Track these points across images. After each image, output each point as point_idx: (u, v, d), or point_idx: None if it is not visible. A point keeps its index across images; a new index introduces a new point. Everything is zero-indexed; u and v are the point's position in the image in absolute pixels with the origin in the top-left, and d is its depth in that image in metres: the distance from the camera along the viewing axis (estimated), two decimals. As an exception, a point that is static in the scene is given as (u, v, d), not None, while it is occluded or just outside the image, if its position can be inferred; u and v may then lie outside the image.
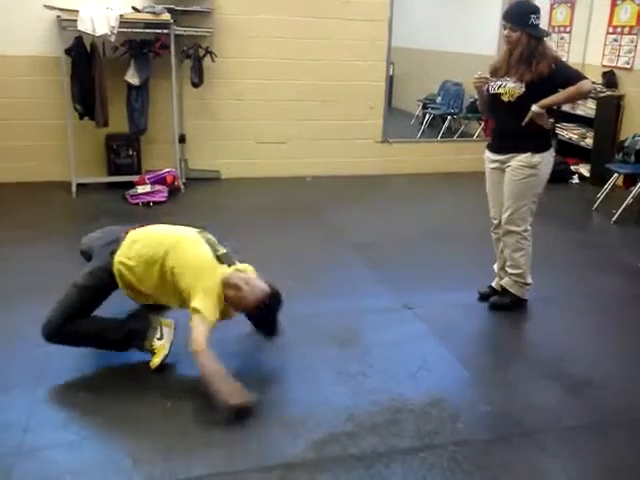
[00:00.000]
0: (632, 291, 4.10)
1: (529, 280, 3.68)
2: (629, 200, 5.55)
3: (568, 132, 7.17)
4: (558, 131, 7.33)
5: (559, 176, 6.85)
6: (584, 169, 6.94)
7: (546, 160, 3.47)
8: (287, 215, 5.40)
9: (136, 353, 2.93)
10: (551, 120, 3.54)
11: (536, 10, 3.37)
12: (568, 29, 7.52)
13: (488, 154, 3.65)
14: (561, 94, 3.37)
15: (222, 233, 4.73)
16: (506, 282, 3.72)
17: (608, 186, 5.90)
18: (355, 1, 6.37)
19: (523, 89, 3.35)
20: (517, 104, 3.37)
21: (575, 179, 6.95)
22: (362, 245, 4.70)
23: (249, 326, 2.98)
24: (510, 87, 3.38)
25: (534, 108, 3.33)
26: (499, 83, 3.43)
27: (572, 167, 7.00)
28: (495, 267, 3.84)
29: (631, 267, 4.49)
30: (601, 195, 5.90)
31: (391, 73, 8.09)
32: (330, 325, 3.43)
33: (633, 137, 6.04)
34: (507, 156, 3.49)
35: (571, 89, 3.31)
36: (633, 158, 5.87)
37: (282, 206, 5.67)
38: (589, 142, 6.83)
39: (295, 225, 5.13)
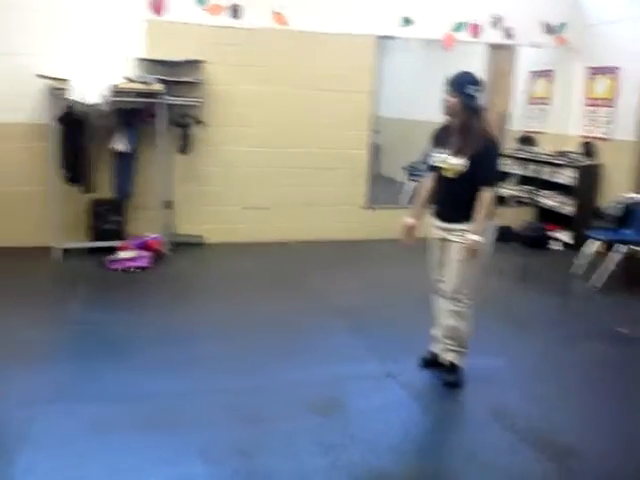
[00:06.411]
0: (615, 358, 4.11)
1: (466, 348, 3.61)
2: (609, 265, 5.62)
3: (548, 199, 7.33)
4: (538, 198, 7.49)
5: (538, 242, 7.01)
6: (565, 235, 7.04)
7: (488, 229, 3.47)
8: (270, 281, 5.42)
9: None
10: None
11: (475, 82, 3.37)
12: (547, 101, 7.78)
13: (433, 220, 3.61)
14: (481, 215, 3.34)
15: (202, 301, 4.82)
16: (449, 356, 3.62)
17: (588, 252, 5.98)
18: (340, 74, 6.60)
19: (467, 167, 3.33)
20: (460, 179, 3.37)
21: (554, 245, 7.06)
22: (345, 312, 4.70)
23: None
24: (453, 164, 3.37)
25: (476, 239, 3.30)
26: (442, 157, 3.43)
27: (550, 233, 7.14)
28: (434, 332, 3.73)
29: (612, 333, 4.51)
30: (582, 261, 5.97)
31: (378, 142, 8.30)
32: (312, 393, 3.40)
33: (611, 204, 6.18)
34: (451, 225, 3.47)
35: (484, 207, 3.32)
36: (612, 225, 6.00)
37: (265, 272, 5.69)
38: (569, 209, 6.98)
39: (278, 291, 5.14)
